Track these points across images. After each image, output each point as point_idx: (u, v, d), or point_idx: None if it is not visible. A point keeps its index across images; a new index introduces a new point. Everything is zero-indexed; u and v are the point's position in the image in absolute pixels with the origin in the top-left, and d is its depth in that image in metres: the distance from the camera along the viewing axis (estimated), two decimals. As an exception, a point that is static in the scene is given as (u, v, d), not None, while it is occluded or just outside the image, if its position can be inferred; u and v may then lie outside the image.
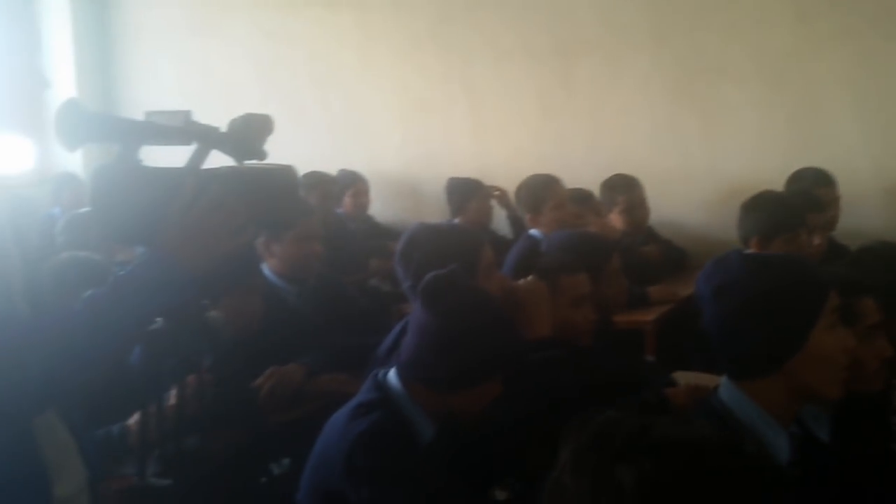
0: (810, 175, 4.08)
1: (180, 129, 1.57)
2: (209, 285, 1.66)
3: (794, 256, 1.85)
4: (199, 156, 1.55)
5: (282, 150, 1.76)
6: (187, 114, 1.61)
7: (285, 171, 1.62)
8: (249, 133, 1.60)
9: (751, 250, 3.22)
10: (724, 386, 1.65)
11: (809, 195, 3.75)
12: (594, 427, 1.02)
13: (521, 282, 2.45)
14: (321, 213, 4.12)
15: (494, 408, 2.01)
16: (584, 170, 4.65)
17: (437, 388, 1.92)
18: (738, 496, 0.95)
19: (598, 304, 2.54)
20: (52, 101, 1.50)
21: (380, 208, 5.49)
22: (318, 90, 5.71)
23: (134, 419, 2.25)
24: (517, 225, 4.60)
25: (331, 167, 5.15)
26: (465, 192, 4.88)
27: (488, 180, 4.93)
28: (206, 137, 1.55)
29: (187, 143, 1.56)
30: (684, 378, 2.85)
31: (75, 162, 5.48)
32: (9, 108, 1.58)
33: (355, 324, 3.35)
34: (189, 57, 5.94)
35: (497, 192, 4.88)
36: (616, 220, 4.34)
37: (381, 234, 5.19)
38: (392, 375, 1.99)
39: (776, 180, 4.05)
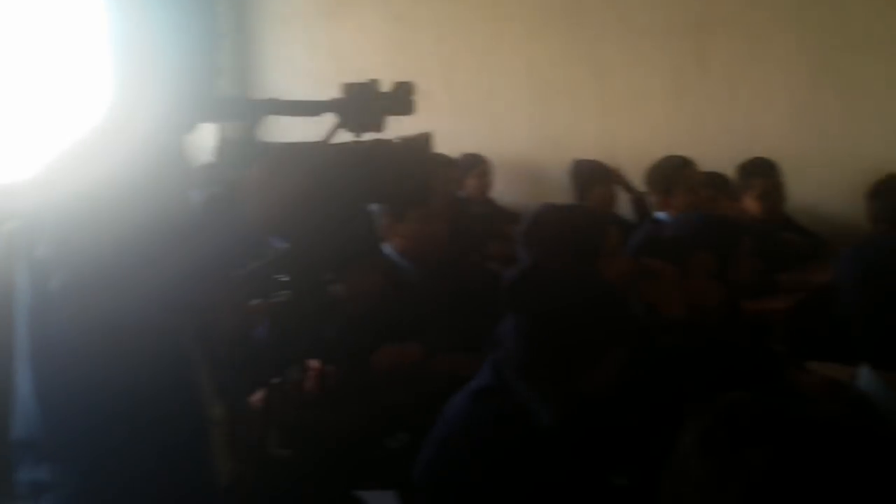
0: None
1: (306, 101, 1.60)
2: (331, 259, 1.68)
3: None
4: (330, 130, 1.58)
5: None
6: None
7: (417, 143, 1.61)
8: (366, 103, 1.61)
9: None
10: (864, 376, 1.57)
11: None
12: (721, 408, 0.98)
13: (649, 263, 2.39)
14: (445, 196, 4.14)
15: (617, 391, 1.98)
16: (717, 152, 4.49)
17: (554, 381, 1.90)
18: (874, 482, 0.89)
19: (727, 288, 2.45)
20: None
21: (503, 192, 5.47)
22: (444, 73, 5.73)
23: (257, 396, 2.31)
24: (640, 208, 4.49)
25: (455, 150, 5.16)
26: (591, 177, 4.79)
27: (616, 163, 4.82)
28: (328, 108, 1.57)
29: (316, 114, 1.58)
30: (817, 368, 2.72)
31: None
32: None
33: (473, 306, 3.35)
34: (320, 43, 6.07)
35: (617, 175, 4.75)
36: (751, 205, 4.18)
37: (504, 218, 5.17)
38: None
39: (924, 165, 3.81)
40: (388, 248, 3.28)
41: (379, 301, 2.86)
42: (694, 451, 0.96)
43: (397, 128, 1.67)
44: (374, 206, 3.17)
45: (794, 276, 3.83)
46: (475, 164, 5.28)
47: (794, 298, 3.70)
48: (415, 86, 1.65)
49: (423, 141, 1.62)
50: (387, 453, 2.63)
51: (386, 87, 1.65)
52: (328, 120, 1.63)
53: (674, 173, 4.00)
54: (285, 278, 1.67)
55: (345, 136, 1.62)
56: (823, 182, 4.57)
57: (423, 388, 2.73)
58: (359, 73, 1.68)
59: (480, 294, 3.56)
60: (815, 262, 4.12)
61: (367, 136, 1.63)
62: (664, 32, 5.03)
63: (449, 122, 5.58)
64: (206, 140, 1.69)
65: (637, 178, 4.56)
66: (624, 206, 4.76)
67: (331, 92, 1.66)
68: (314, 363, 1.98)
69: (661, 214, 4.00)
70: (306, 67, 6.04)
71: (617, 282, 2.24)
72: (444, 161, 4.87)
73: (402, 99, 1.64)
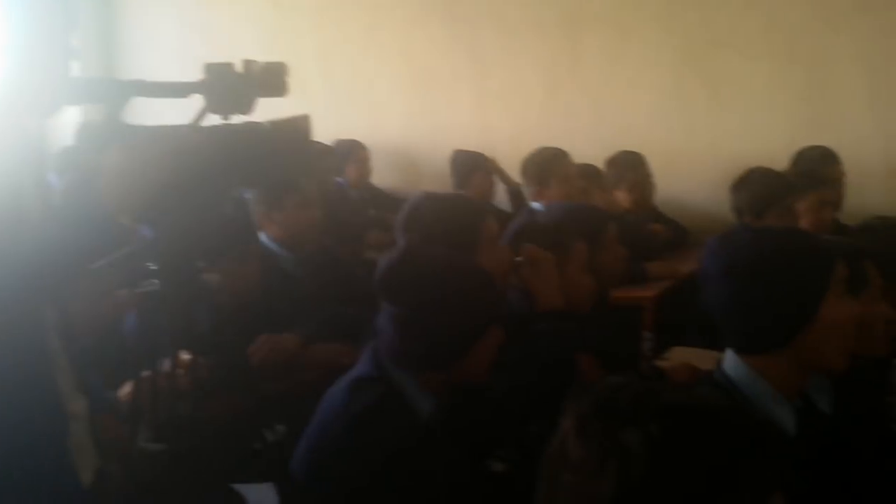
0: (816, 153, 4.06)
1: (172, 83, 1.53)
2: (202, 246, 1.63)
3: (799, 229, 1.83)
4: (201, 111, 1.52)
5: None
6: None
7: (292, 127, 1.57)
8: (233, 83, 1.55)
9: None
10: (728, 361, 1.63)
11: (813, 172, 3.74)
12: (598, 393, 1.00)
13: (527, 250, 2.42)
14: (321, 184, 4.09)
15: (494, 378, 1.99)
16: (588, 144, 4.61)
17: (432, 368, 1.91)
18: (745, 460, 0.93)
19: (595, 275, 2.52)
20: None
21: (383, 180, 5.45)
22: (321, 60, 5.66)
23: (125, 389, 2.22)
24: (517, 198, 4.57)
25: (333, 137, 5.11)
26: (470, 166, 4.84)
27: (492, 153, 4.88)
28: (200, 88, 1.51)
29: (182, 95, 1.52)
30: (683, 354, 2.83)
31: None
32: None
33: (352, 295, 3.33)
34: (192, 24, 5.88)
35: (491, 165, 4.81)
36: (622, 196, 4.31)
37: (385, 206, 5.16)
38: None
39: (782, 158, 4.02)
40: (263, 237, 3.22)
41: (255, 290, 2.80)
42: (572, 436, 0.97)
43: (274, 112, 1.62)
44: (248, 193, 3.10)
45: (662, 265, 3.97)
46: (353, 152, 5.25)
47: (662, 287, 3.84)
48: (287, 67, 1.61)
49: (298, 125, 1.58)
50: (264, 445, 2.58)
51: (258, 68, 1.59)
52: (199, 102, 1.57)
53: (549, 164, 4.08)
54: (154, 267, 1.60)
55: (215, 119, 1.57)
56: (689, 174, 4.75)
57: (301, 379, 2.70)
58: (232, 57, 1.63)
59: (360, 282, 3.54)
60: (681, 251, 4.29)
61: (238, 119, 1.57)
62: (538, 26, 5.12)
63: (326, 109, 5.50)
64: (68, 123, 1.60)
65: (512, 168, 4.64)
66: (500, 196, 4.82)
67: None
68: (186, 355, 1.91)
69: (536, 205, 4.07)
70: (177, 49, 5.83)
71: (496, 271, 2.26)
72: (321, 148, 4.81)
73: (273, 80, 1.59)
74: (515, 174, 4.48)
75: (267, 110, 1.62)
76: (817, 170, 3.85)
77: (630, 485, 0.91)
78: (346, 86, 5.68)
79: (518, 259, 2.42)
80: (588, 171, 4.35)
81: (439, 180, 4.90)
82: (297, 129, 1.57)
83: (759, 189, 3.42)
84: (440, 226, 2.27)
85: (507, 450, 2.01)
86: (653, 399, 0.97)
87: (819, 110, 4.47)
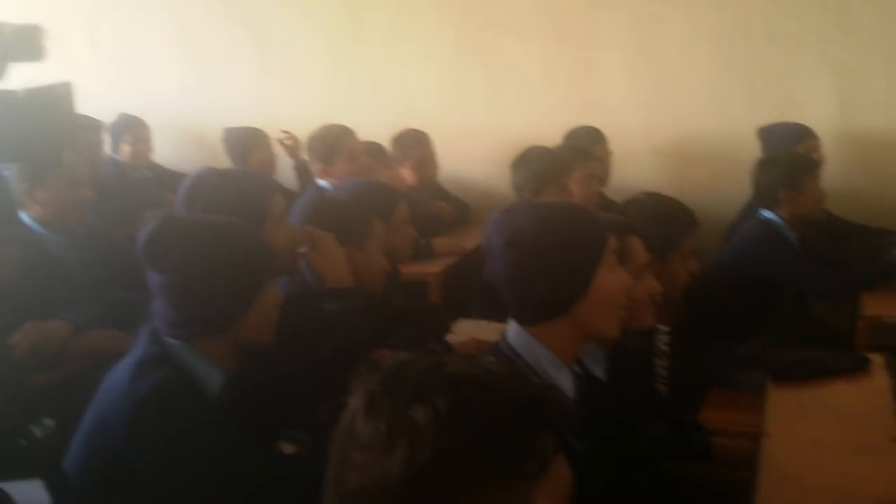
0: (585, 132, 4.30)
1: None
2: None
3: (574, 204, 1.92)
4: None
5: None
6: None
7: (51, 96, 1.44)
8: None
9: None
10: (511, 331, 1.69)
11: (582, 150, 3.95)
12: (385, 371, 0.99)
13: (307, 232, 2.38)
14: (90, 160, 3.85)
15: (284, 357, 1.96)
16: (372, 122, 4.61)
17: (212, 332, 1.84)
18: (528, 427, 0.96)
19: (386, 253, 2.53)
20: None
21: (165, 157, 5.20)
22: (87, 25, 5.30)
23: None
24: (304, 175, 4.50)
25: (103, 112, 4.79)
26: (247, 143, 4.69)
27: (274, 131, 4.76)
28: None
29: None
30: (469, 326, 2.92)
31: None
32: None
33: (132, 280, 3.16)
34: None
35: (287, 139, 4.70)
36: (406, 174, 4.36)
37: (167, 184, 4.92)
38: None
39: (556, 136, 4.21)
40: (25, 217, 2.99)
41: (16, 275, 2.59)
42: (361, 415, 0.97)
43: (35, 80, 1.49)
44: (5, 170, 2.86)
45: (447, 241, 4.07)
46: (129, 128, 4.95)
47: (447, 262, 3.94)
48: (43, 29, 1.47)
49: (58, 93, 1.45)
50: (31, 442, 2.40)
51: (9, 30, 1.45)
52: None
53: (334, 142, 4.05)
54: None
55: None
56: (470, 152, 4.87)
57: (72, 368, 2.54)
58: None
59: (134, 265, 3.36)
60: (464, 227, 4.41)
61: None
62: (319, 1, 5.05)
63: (95, 81, 5.18)
64: None
65: (298, 141, 4.56)
66: (285, 173, 4.73)
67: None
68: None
69: (322, 182, 4.03)
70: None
71: (283, 248, 2.21)
72: (89, 121, 4.51)
73: (27, 43, 1.45)
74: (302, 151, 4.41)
75: (27, 78, 1.49)
76: (586, 148, 4.07)
77: (419, 461, 0.91)
78: (116, 56, 5.36)
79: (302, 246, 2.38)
80: (373, 148, 4.37)
81: (218, 158, 4.72)
82: (56, 97, 1.44)
83: (537, 167, 3.56)
84: (225, 203, 2.16)
85: (297, 431, 1.99)
86: (438, 373, 0.97)
87: (587, 91, 4.71)
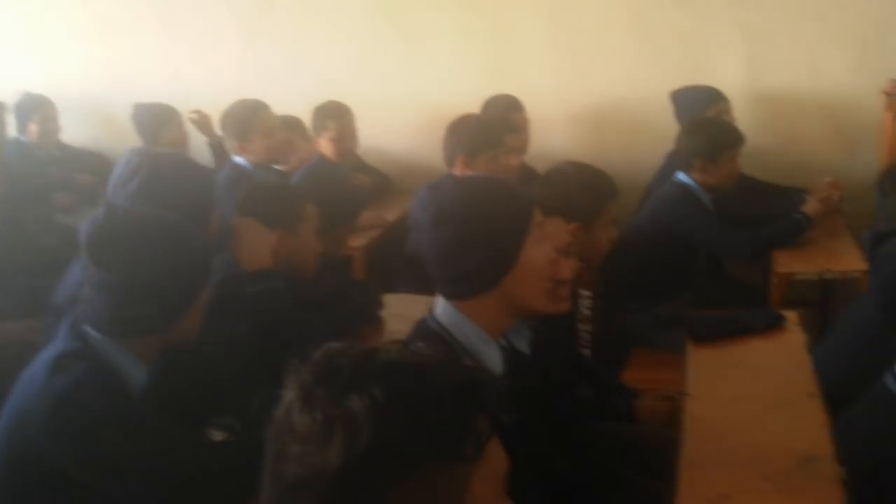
0: (503, 101, 4.30)
1: None
2: None
3: (499, 178, 1.93)
4: None
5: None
6: None
7: None
8: None
9: (456, 170, 3.35)
10: (439, 306, 1.70)
11: (504, 119, 3.95)
12: (318, 362, 0.99)
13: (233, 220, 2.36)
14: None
15: (209, 344, 1.93)
16: (288, 96, 4.52)
17: (148, 332, 1.81)
18: (463, 411, 0.96)
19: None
20: None
21: (70, 138, 5.02)
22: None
23: None
24: (219, 152, 4.41)
25: (5, 92, 4.60)
26: (158, 120, 4.56)
27: (186, 106, 4.64)
28: None
29: None
30: (394, 301, 2.92)
31: None
32: None
33: (43, 265, 3.07)
34: None
35: (195, 116, 4.59)
36: (326, 147, 4.31)
37: (75, 164, 4.77)
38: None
39: (474, 105, 4.21)
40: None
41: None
42: (297, 407, 0.96)
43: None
44: None
45: (369, 214, 4.04)
46: (36, 107, 4.75)
47: (370, 235, 3.92)
48: None
49: None
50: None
51: None
52: None
53: (249, 118, 3.97)
54: None
55: None
56: (389, 123, 4.83)
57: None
58: None
59: (51, 251, 3.26)
60: (386, 200, 4.39)
61: None
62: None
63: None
64: None
65: (209, 118, 4.46)
66: (199, 150, 4.62)
67: None
68: None
69: (239, 159, 3.96)
70: None
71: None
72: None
73: None
74: (215, 127, 4.31)
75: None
76: (504, 116, 4.08)
77: (357, 449, 0.92)
78: (15, 29, 5.14)
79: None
80: (290, 122, 4.30)
81: (128, 136, 4.58)
82: None
83: (472, 135, 3.43)
84: (176, 191, 2.14)
85: (226, 417, 1.97)
86: (372, 361, 0.97)
87: (504, 59, 4.71)
